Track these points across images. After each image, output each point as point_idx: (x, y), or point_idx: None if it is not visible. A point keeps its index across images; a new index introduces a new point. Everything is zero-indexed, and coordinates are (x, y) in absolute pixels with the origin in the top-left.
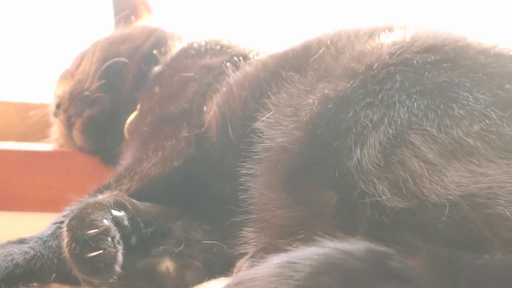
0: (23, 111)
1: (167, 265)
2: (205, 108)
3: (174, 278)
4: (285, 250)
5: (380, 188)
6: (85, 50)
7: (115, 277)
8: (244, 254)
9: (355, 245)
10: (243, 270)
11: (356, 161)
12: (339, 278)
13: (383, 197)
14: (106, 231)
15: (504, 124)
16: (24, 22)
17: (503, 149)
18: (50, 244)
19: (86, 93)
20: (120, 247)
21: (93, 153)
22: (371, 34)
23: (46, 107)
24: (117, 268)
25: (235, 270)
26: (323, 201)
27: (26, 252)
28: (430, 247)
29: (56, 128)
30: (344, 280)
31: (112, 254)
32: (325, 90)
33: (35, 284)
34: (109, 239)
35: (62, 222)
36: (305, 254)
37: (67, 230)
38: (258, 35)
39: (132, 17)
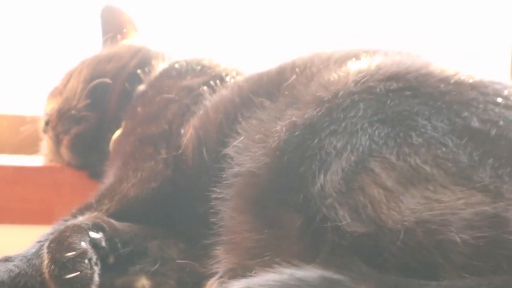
0: (16, 124)
1: (143, 283)
2: (182, 131)
3: None
4: (251, 272)
5: (341, 213)
6: (74, 68)
7: None
8: (215, 273)
9: (309, 273)
10: None
11: (320, 186)
12: None
13: (344, 222)
14: (83, 254)
15: (460, 152)
16: (18, 35)
17: (458, 176)
18: (33, 262)
19: (73, 112)
20: (96, 268)
21: (80, 168)
22: (341, 61)
23: (38, 120)
24: None
25: None
26: (288, 225)
27: (11, 270)
28: (379, 275)
29: (45, 144)
30: None
31: (89, 275)
32: (293, 118)
33: None
34: (86, 261)
35: (46, 240)
36: (263, 281)
37: (47, 252)
38: (247, 49)
39: (118, 36)
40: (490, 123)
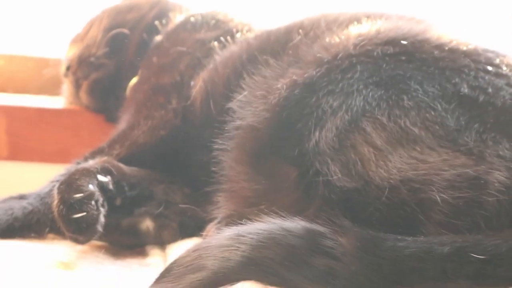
0: (42, 66)
1: (148, 224)
2: (192, 83)
3: (153, 236)
4: (246, 219)
5: (333, 168)
6: (95, 16)
7: (97, 235)
8: (214, 218)
9: (294, 224)
10: (211, 233)
11: (315, 142)
12: (277, 251)
13: (335, 177)
14: (90, 196)
15: (448, 116)
16: None
17: (445, 138)
18: (46, 201)
19: (92, 59)
20: (102, 210)
21: (98, 112)
22: (345, 24)
23: (61, 63)
24: (99, 228)
25: (205, 232)
26: (284, 177)
27: (25, 207)
28: (359, 229)
29: (66, 87)
30: (281, 253)
31: (94, 216)
32: (294, 76)
33: (32, 235)
34: (93, 202)
35: (59, 180)
36: (252, 229)
37: (57, 193)
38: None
39: None
40: (479, 89)
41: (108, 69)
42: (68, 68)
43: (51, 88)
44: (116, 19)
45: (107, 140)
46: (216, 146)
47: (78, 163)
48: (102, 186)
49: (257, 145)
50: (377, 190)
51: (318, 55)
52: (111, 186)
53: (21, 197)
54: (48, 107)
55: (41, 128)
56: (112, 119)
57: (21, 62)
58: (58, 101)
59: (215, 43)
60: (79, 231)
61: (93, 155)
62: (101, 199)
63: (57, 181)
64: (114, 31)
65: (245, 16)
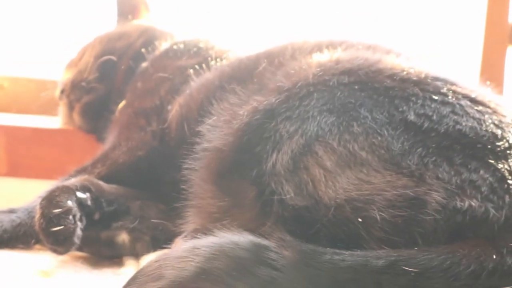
0: (42, 87)
1: (124, 237)
2: (169, 107)
3: (128, 248)
4: (210, 233)
5: (286, 188)
6: (88, 43)
7: (74, 247)
8: (183, 232)
9: (243, 238)
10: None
11: (272, 164)
12: (227, 262)
13: (288, 196)
14: (68, 211)
15: (394, 141)
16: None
17: (389, 162)
18: (32, 214)
19: (84, 83)
20: (80, 224)
21: (89, 132)
22: (308, 52)
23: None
24: (76, 240)
25: (173, 245)
26: (244, 195)
27: (13, 220)
28: (300, 243)
29: (61, 109)
30: (230, 264)
31: (71, 229)
32: (255, 103)
33: (20, 245)
34: (70, 217)
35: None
36: (206, 242)
37: (39, 208)
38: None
39: (129, 16)
40: (425, 116)
41: (98, 93)
42: (62, 92)
43: (52, 108)
44: (107, 46)
45: (91, 159)
46: (186, 166)
47: (64, 180)
48: (80, 202)
49: (221, 166)
50: (325, 208)
51: (279, 83)
52: (89, 202)
53: (11, 211)
54: (44, 127)
55: (37, 146)
56: (102, 139)
57: (24, 83)
58: (54, 121)
59: (191, 70)
60: (57, 243)
61: (77, 173)
62: (78, 214)
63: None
64: (103, 58)
65: (226, 43)
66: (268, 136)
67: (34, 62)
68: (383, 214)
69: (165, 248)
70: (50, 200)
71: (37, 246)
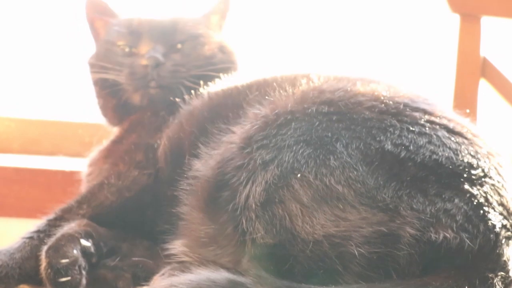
0: (23, 126)
1: (106, 275)
2: (158, 141)
3: (111, 285)
4: (187, 270)
5: (256, 226)
6: None
7: None
8: (163, 268)
9: (219, 275)
10: (156, 283)
11: (245, 197)
12: None
13: (258, 235)
14: (74, 261)
15: (369, 176)
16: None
17: (365, 195)
18: (15, 256)
19: None
20: (84, 273)
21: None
22: (293, 83)
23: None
24: None
25: (152, 282)
26: (225, 227)
27: None
28: (275, 279)
29: None
30: None
31: (78, 280)
32: (235, 130)
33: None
34: (77, 267)
35: (30, 237)
36: (183, 280)
37: (45, 257)
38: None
39: None
40: (402, 146)
41: None
42: None
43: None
44: None
45: (77, 196)
46: (177, 193)
47: (49, 220)
48: (84, 250)
49: (208, 195)
50: (302, 243)
51: (258, 111)
52: (92, 250)
53: None
54: (25, 167)
55: (19, 186)
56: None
57: (5, 123)
58: (36, 161)
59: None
60: None
61: (62, 212)
62: (83, 264)
63: (29, 237)
64: None
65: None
66: (241, 164)
67: (15, 102)
68: (360, 249)
69: (144, 285)
70: (56, 249)
71: (22, 285)
